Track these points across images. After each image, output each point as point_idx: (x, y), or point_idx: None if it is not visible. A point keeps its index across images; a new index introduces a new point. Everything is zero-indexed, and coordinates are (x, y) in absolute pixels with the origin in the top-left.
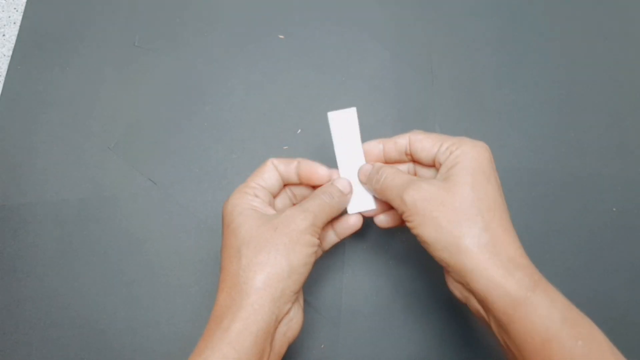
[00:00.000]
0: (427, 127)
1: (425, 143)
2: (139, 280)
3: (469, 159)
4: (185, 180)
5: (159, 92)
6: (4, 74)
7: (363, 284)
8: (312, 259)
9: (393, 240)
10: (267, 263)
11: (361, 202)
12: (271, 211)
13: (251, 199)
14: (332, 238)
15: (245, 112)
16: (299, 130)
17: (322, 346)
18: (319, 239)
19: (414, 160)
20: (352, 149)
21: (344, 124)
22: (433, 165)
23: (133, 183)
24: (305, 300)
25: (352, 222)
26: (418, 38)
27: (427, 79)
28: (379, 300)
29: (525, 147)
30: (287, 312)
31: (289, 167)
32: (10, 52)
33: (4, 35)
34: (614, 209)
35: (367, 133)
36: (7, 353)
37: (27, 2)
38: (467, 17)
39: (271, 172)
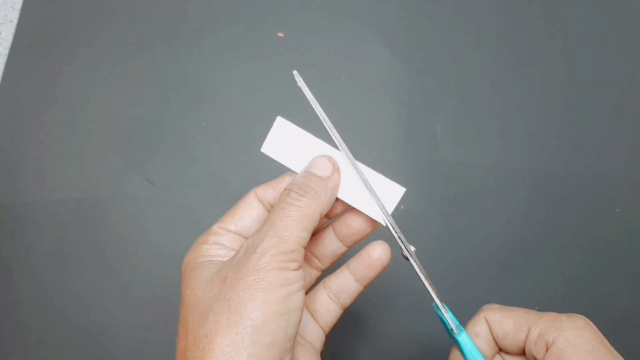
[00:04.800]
0: (428, 126)
1: (506, 326)
2: (136, 281)
3: (583, 357)
4: (183, 180)
5: (156, 91)
6: (1, 73)
7: None
8: (294, 303)
9: (393, 242)
10: (217, 330)
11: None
12: None
13: (208, 249)
14: (333, 247)
15: (244, 112)
16: None
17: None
18: (300, 267)
19: (500, 348)
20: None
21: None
22: (523, 354)
23: (130, 183)
24: None
25: (356, 225)
26: (419, 36)
27: (428, 77)
28: (379, 302)
29: (528, 147)
30: None
31: (280, 188)
32: (7, 51)
33: (0, 33)
34: (617, 210)
35: (367, 132)
36: (4, 354)
37: (24, 0)
38: (469, 15)
39: (250, 207)
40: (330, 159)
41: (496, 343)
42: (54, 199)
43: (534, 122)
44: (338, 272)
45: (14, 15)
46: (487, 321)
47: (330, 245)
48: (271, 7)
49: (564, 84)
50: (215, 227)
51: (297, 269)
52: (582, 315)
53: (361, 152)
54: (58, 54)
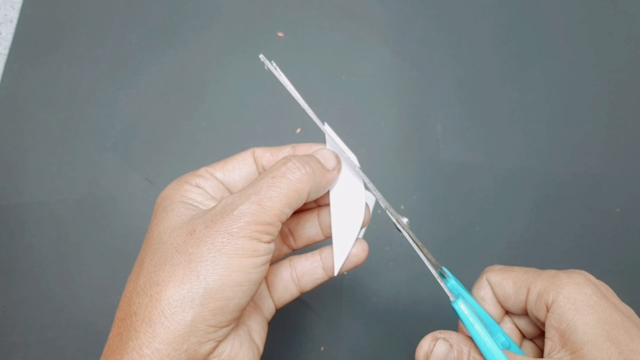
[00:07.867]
0: (428, 126)
1: (506, 288)
2: None
3: (586, 313)
4: None
5: (156, 90)
6: (1, 72)
7: (363, 285)
8: (255, 276)
9: (393, 242)
10: (170, 282)
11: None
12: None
13: (189, 190)
14: (312, 232)
15: (244, 111)
16: (299, 130)
17: (322, 349)
18: (272, 240)
19: (506, 311)
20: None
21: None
22: (525, 314)
23: (130, 183)
24: (304, 303)
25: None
26: (419, 36)
27: (428, 77)
28: (379, 302)
29: (528, 147)
30: (210, 353)
31: (278, 156)
32: (7, 51)
33: (0, 33)
34: (618, 210)
35: (367, 132)
36: (4, 354)
37: (23, 0)
38: (469, 15)
39: (243, 162)
40: (337, 156)
41: (501, 305)
42: (54, 198)
43: (534, 122)
44: (309, 254)
45: (14, 15)
46: (489, 283)
47: (310, 229)
48: (271, 7)
49: (564, 84)
50: (202, 170)
51: (269, 242)
52: (582, 271)
53: (362, 152)
54: (58, 54)
